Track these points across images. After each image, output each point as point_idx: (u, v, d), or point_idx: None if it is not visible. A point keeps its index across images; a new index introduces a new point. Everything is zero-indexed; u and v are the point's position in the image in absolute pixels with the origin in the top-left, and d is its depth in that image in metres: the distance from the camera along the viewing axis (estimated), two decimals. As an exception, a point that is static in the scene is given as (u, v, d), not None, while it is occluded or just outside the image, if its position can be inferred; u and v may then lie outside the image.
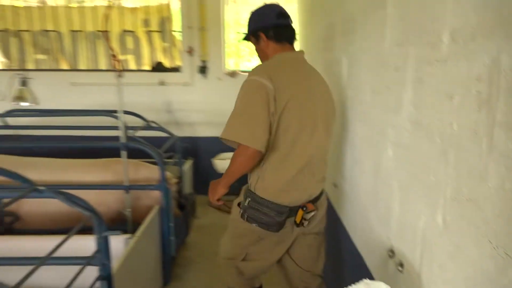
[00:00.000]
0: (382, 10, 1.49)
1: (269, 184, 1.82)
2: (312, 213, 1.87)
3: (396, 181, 1.39)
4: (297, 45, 2.05)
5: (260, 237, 1.93)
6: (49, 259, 1.60)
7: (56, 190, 1.63)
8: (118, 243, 2.20)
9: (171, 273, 2.94)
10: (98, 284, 1.70)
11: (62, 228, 2.75)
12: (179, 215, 2.96)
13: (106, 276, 1.67)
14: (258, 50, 1.99)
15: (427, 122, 1.13)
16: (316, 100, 1.84)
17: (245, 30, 2.04)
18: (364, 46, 1.77)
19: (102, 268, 1.67)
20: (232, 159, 1.79)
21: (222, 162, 4.19)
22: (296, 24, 2.19)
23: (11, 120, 3.57)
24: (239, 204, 1.92)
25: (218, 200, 1.97)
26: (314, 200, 1.92)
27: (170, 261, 2.89)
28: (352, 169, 2.01)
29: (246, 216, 1.85)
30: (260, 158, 1.79)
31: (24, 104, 4.44)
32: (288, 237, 1.95)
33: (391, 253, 1.43)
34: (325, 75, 2.72)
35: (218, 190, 1.93)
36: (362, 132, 1.82)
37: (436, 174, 1.08)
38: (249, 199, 1.84)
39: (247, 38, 2.03)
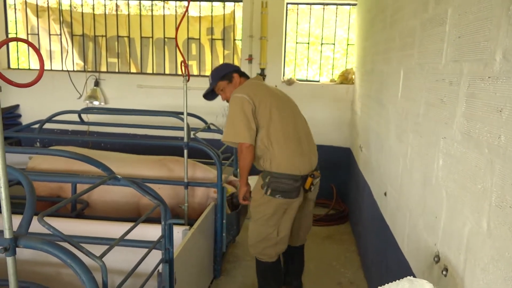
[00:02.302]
0: (441, 27, 1.57)
1: (281, 161, 2.52)
2: (318, 179, 2.65)
3: (445, 190, 1.46)
4: (353, 55, 2.15)
5: (285, 208, 2.57)
6: (122, 241, 1.81)
7: (131, 179, 1.84)
8: (176, 234, 2.39)
9: (221, 267, 3.10)
10: (161, 266, 1.88)
11: (123, 217, 3.01)
12: (232, 214, 3.13)
13: (168, 260, 1.85)
14: (228, 88, 2.74)
15: (477, 133, 1.20)
16: (282, 99, 2.70)
17: (212, 84, 2.79)
18: (422, 61, 1.84)
19: (165, 252, 1.86)
20: (238, 156, 2.61)
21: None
22: (354, 36, 2.51)
23: (84, 117, 3.92)
24: (262, 186, 2.54)
25: (245, 199, 2.72)
26: (315, 169, 2.66)
27: (221, 256, 3.06)
28: (402, 179, 2.08)
29: (270, 190, 2.51)
30: (253, 150, 2.55)
31: (96, 103, 4.84)
32: (298, 204, 2.63)
33: (437, 258, 1.49)
34: (382, 86, 2.80)
35: (241, 189, 2.71)
36: (414, 142, 1.89)
37: (483, 183, 1.15)
38: (269, 176, 2.52)
39: (212, 86, 2.78)
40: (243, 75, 2.79)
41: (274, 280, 2.77)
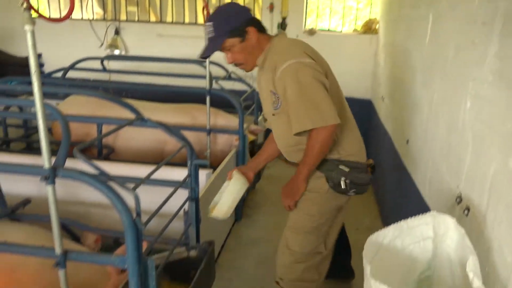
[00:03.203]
0: (475, -36, 1.51)
1: (352, 147, 1.91)
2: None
3: (471, 132, 1.46)
4: (377, 5, 2.11)
5: (340, 209, 2.00)
6: (150, 180, 1.88)
7: (157, 122, 1.88)
8: (200, 177, 2.46)
9: (242, 212, 3.20)
10: (187, 205, 1.96)
11: (147, 162, 3.10)
12: (253, 161, 3.18)
13: (194, 198, 1.93)
14: (245, 48, 1.82)
15: (509, 72, 1.19)
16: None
17: (215, 40, 1.80)
18: (452, 2, 1.78)
19: (191, 191, 1.93)
20: (311, 146, 1.76)
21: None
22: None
23: (106, 66, 3.95)
24: (327, 180, 1.86)
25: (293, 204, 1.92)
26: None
27: (242, 201, 3.15)
28: (427, 125, 2.07)
29: (346, 183, 1.83)
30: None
31: (117, 52, 4.85)
32: None
33: (459, 199, 1.52)
34: (408, 33, 2.73)
35: (300, 187, 1.86)
36: (441, 87, 1.86)
37: (512, 121, 1.15)
38: (341, 166, 1.84)
39: (217, 45, 1.81)
40: (261, 29, 1.87)
41: None
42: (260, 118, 3.71)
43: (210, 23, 1.80)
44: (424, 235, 1.21)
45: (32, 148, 3.80)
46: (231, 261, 2.70)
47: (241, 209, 3.19)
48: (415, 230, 1.21)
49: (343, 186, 1.83)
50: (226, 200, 1.84)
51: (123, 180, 1.74)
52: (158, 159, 3.28)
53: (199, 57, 1.90)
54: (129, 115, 1.90)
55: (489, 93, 1.33)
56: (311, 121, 1.69)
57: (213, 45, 1.81)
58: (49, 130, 3.24)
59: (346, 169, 1.83)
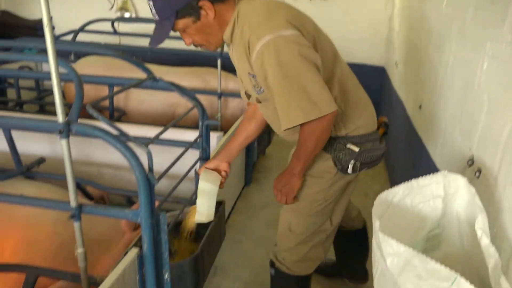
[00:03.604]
0: None
1: (359, 117, 1.64)
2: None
3: (487, 94, 1.43)
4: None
5: (350, 181, 1.75)
6: (161, 140, 1.90)
7: (169, 82, 1.88)
8: (212, 139, 2.47)
9: (252, 176, 3.24)
10: (198, 165, 1.99)
11: (158, 125, 3.12)
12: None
13: (206, 158, 1.95)
14: (201, 28, 1.48)
15: (530, 30, 1.15)
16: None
17: (162, 23, 1.44)
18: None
19: (202, 151, 1.95)
20: (304, 140, 1.49)
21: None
22: None
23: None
24: (335, 163, 1.61)
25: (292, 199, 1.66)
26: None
27: (252, 166, 3.17)
28: (441, 89, 2.04)
29: (358, 164, 1.59)
30: None
31: (127, 15, 4.80)
32: None
33: (471, 162, 1.51)
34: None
35: (295, 183, 1.60)
36: (457, 50, 1.83)
37: (530, 80, 1.12)
38: (357, 147, 1.58)
39: (166, 31, 1.44)
40: None
41: None
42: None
43: (151, 3, 1.41)
44: (434, 194, 1.22)
45: (45, 111, 3.84)
46: (240, 223, 2.75)
47: (251, 174, 3.22)
48: (425, 189, 1.22)
49: (352, 170, 1.59)
50: (201, 205, 1.65)
51: (135, 139, 1.76)
52: (169, 122, 3.29)
53: (149, 46, 1.49)
54: (141, 78, 1.90)
55: (507, 53, 1.30)
56: (302, 113, 1.37)
57: (160, 32, 1.44)
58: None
59: (356, 149, 1.57)
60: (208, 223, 1.92)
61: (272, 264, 1.82)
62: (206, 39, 1.52)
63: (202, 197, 1.66)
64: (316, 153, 1.54)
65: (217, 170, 1.74)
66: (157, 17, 1.44)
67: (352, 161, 1.57)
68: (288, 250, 1.76)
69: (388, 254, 0.98)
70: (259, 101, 1.61)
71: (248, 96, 1.71)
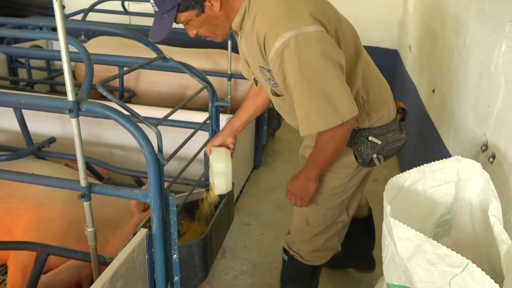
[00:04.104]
0: None
1: (382, 108, 1.56)
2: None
3: (504, 77, 1.39)
4: None
5: (368, 172, 1.69)
6: (171, 121, 1.89)
7: (179, 61, 1.86)
8: (221, 121, 2.46)
9: (261, 159, 3.23)
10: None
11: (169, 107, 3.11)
12: (273, 109, 3.16)
13: (215, 140, 1.93)
14: (205, 20, 1.38)
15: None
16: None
17: (163, 15, 1.36)
18: None
19: (212, 133, 1.94)
20: (323, 146, 1.41)
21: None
22: None
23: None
24: (357, 158, 1.55)
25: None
26: None
27: (261, 149, 3.16)
28: (455, 72, 1.99)
29: (380, 158, 1.53)
30: None
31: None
32: None
33: (484, 147, 1.48)
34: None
35: (310, 188, 1.52)
36: (474, 31, 1.77)
37: (550, 63, 1.09)
38: (379, 140, 1.51)
39: (167, 24, 1.38)
40: None
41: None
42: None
43: None
44: (446, 179, 1.20)
45: (56, 91, 3.85)
46: (249, 206, 2.75)
47: (260, 157, 3.21)
48: (437, 174, 1.20)
49: (375, 163, 1.52)
50: (219, 181, 1.68)
51: (145, 119, 1.75)
52: (177, 103, 3.28)
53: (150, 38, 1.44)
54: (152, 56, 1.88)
55: (527, 35, 1.26)
56: (323, 121, 1.30)
57: (159, 27, 1.37)
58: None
59: (378, 142, 1.49)
60: (217, 206, 1.93)
61: (285, 251, 1.79)
62: (212, 31, 1.43)
63: (218, 176, 1.66)
64: (334, 159, 1.48)
65: (224, 145, 1.73)
66: (156, 9, 1.35)
67: (375, 155, 1.50)
68: (304, 241, 1.72)
69: (399, 238, 0.97)
70: (274, 94, 1.52)
71: (256, 82, 1.65)
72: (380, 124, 1.53)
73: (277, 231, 2.49)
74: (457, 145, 1.85)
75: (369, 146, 1.50)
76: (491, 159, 1.40)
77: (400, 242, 0.96)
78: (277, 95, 1.52)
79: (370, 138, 1.50)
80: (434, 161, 1.21)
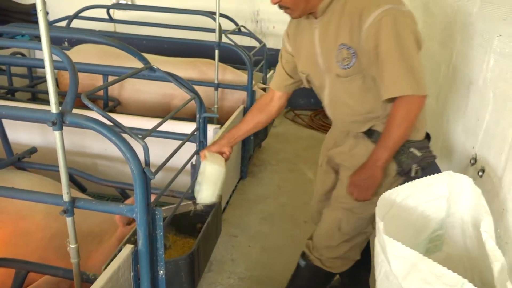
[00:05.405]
0: None
1: (422, 122, 1.56)
2: None
3: (492, 91, 1.40)
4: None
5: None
6: (158, 132, 1.84)
7: (167, 72, 1.82)
8: (208, 132, 2.43)
9: (247, 169, 3.20)
10: (194, 159, 1.94)
11: (154, 116, 3.06)
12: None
13: (202, 152, 1.90)
14: None
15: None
16: None
17: None
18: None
19: (199, 145, 1.90)
20: (399, 121, 1.41)
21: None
22: None
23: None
24: (398, 169, 1.52)
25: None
26: None
27: (247, 159, 3.13)
28: (443, 85, 2.01)
29: (417, 170, 1.49)
30: None
31: (123, 1, 4.71)
32: None
33: (473, 160, 1.48)
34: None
35: (378, 176, 1.49)
36: (462, 45, 1.79)
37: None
38: (419, 152, 1.49)
39: None
40: None
41: None
42: (269, 74, 3.63)
43: None
44: (438, 194, 1.19)
45: (38, 99, 3.76)
46: (236, 218, 2.71)
47: (247, 167, 3.18)
48: (429, 189, 1.19)
49: (413, 174, 1.49)
50: (206, 188, 1.66)
51: (132, 132, 1.71)
52: (165, 114, 3.23)
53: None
54: (137, 67, 1.84)
55: (516, 50, 1.26)
56: (410, 86, 1.35)
57: None
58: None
59: (418, 154, 1.49)
60: (204, 219, 1.89)
61: (304, 256, 1.78)
62: (298, 4, 1.47)
63: (209, 183, 1.66)
64: (404, 139, 1.46)
65: (220, 153, 1.75)
66: None
67: (415, 165, 1.49)
68: (330, 248, 1.71)
69: (394, 257, 0.95)
70: (338, 76, 1.52)
71: (283, 87, 1.75)
72: (420, 139, 1.55)
73: (264, 243, 2.46)
74: (445, 158, 1.86)
75: (410, 156, 1.50)
76: (480, 173, 1.40)
77: (395, 261, 0.95)
78: (342, 77, 1.52)
79: (411, 149, 1.51)
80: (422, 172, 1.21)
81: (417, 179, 1.19)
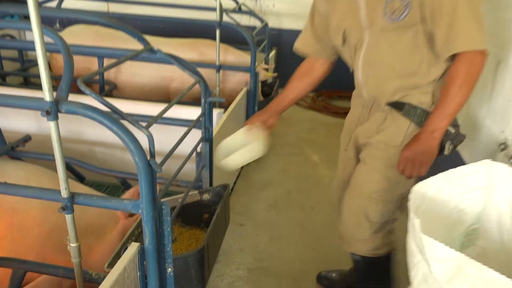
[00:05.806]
0: None
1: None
2: None
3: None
4: None
5: None
6: (162, 119, 1.72)
7: (168, 54, 1.69)
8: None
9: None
10: (200, 146, 1.83)
11: (151, 99, 2.92)
12: (265, 101, 3.02)
13: (208, 139, 1.79)
14: None
15: None
16: None
17: None
18: None
19: (205, 131, 1.79)
20: (463, 82, 1.27)
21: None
22: None
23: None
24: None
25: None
26: None
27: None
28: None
29: (450, 149, 1.40)
30: None
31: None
32: None
33: (503, 146, 1.38)
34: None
35: (435, 148, 1.36)
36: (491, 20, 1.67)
37: None
38: (453, 128, 1.38)
39: None
40: None
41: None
42: (271, 54, 3.49)
43: None
44: (475, 185, 1.09)
45: (30, 83, 3.61)
46: (241, 205, 2.61)
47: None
48: (465, 180, 1.09)
49: (446, 152, 1.39)
50: (241, 156, 1.61)
51: (135, 122, 1.59)
52: (163, 97, 3.10)
53: None
54: (134, 49, 1.70)
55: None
56: (480, 39, 1.23)
57: None
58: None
59: (453, 130, 1.38)
60: (210, 209, 1.79)
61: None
62: None
63: (248, 153, 1.63)
64: (464, 104, 1.31)
65: (266, 123, 1.74)
66: None
67: (449, 142, 1.37)
68: (364, 240, 1.61)
69: (434, 258, 0.85)
70: (383, 31, 1.38)
71: (323, 52, 1.67)
72: None
73: (272, 231, 2.37)
74: (467, 145, 1.75)
75: (454, 130, 1.39)
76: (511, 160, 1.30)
77: (436, 263, 0.85)
78: (389, 32, 1.38)
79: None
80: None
81: (451, 169, 1.08)
